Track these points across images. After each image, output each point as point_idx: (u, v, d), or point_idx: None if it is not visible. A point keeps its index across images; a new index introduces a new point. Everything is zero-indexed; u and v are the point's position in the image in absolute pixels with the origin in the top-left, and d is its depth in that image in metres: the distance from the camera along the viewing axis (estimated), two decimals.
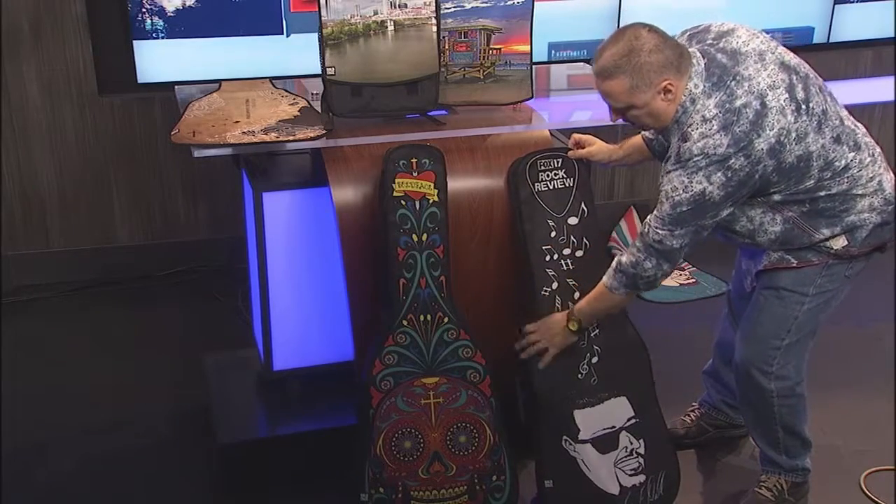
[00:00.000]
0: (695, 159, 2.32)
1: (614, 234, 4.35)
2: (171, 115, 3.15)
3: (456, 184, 2.73)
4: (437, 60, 2.73)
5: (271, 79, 3.14)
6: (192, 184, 4.04)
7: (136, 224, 4.05)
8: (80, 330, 3.70)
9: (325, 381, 2.96)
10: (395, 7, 2.66)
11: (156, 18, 3.70)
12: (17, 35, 3.70)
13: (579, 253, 2.75)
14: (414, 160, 2.64)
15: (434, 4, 2.68)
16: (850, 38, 4.48)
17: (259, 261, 2.83)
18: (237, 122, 2.73)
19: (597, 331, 2.70)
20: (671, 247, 2.41)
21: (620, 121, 2.46)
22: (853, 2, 4.42)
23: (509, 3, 2.78)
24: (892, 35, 4.47)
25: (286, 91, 3.01)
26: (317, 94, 2.87)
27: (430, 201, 2.65)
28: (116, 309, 3.84)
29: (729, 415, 3.00)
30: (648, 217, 2.45)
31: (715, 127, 2.31)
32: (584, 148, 2.78)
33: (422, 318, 2.63)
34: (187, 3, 3.70)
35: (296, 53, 3.80)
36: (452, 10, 2.74)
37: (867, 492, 2.84)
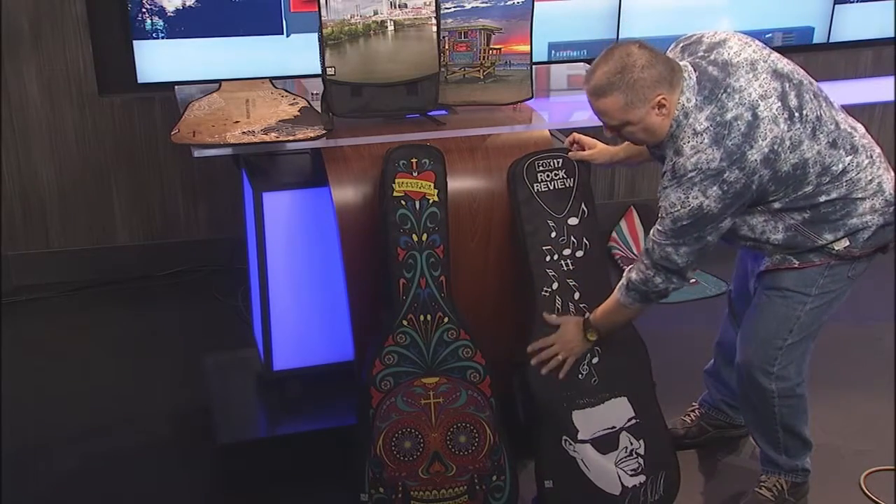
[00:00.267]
0: (689, 175, 2.33)
1: (614, 234, 4.35)
2: (171, 115, 3.14)
3: (456, 184, 2.73)
4: (437, 60, 2.73)
5: (271, 79, 3.14)
6: (192, 184, 4.04)
7: (136, 224, 4.05)
8: (80, 330, 3.70)
9: (325, 381, 2.96)
10: (395, 7, 2.66)
11: (156, 18, 3.69)
12: (17, 35, 3.70)
13: (579, 253, 2.75)
14: (414, 160, 2.64)
15: (434, 4, 2.68)
16: (850, 38, 4.47)
17: (259, 261, 2.82)
18: (237, 122, 2.73)
19: None
20: (677, 262, 2.43)
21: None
22: (853, 2, 4.42)
23: (509, 3, 2.78)
24: (892, 35, 4.47)
25: (286, 91, 3.01)
26: (317, 94, 2.87)
27: (430, 201, 2.65)
28: (116, 309, 3.83)
29: (729, 415, 3.00)
30: (651, 231, 2.47)
31: (706, 141, 2.32)
32: (583, 148, 2.78)
33: (422, 318, 2.63)
34: (187, 3, 3.70)
35: (296, 53, 3.80)
36: (452, 10, 2.74)
37: (867, 492, 2.84)
